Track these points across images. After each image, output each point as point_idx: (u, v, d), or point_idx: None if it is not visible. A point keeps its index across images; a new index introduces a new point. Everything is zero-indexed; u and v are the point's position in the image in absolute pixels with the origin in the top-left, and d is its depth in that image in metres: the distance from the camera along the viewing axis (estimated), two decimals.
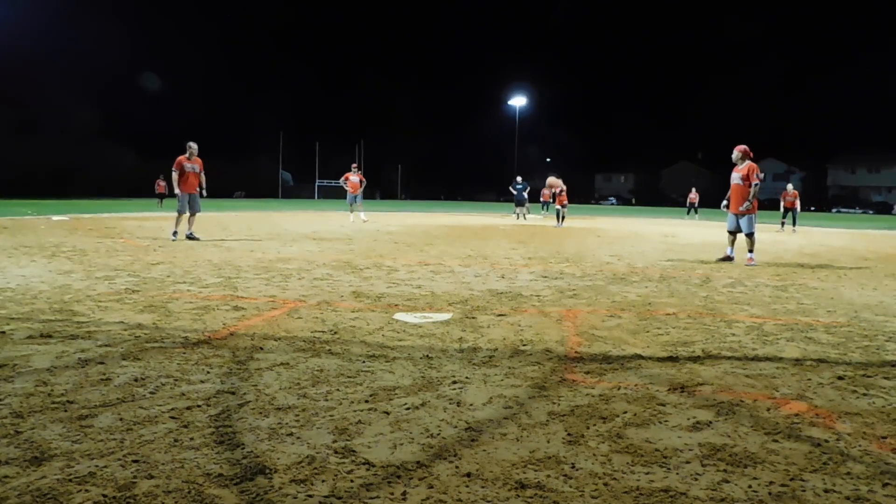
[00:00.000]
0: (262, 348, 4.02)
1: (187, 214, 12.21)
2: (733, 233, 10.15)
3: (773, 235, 18.07)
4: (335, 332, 4.52)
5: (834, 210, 73.15)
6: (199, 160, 12.38)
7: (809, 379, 3.62)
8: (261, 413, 2.89)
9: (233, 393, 3.16)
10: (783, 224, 21.93)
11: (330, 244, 11.99)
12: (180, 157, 12.13)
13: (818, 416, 3.01)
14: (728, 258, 10.09)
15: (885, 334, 4.87)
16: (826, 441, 2.71)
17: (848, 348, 4.39)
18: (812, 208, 68.27)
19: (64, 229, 14.73)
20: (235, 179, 79.44)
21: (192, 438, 2.58)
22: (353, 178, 21.34)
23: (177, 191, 12.11)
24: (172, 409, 2.91)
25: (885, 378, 3.67)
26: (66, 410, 2.85)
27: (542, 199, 33.75)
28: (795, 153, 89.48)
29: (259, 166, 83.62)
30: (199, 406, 2.96)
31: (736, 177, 9.95)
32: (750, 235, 9.83)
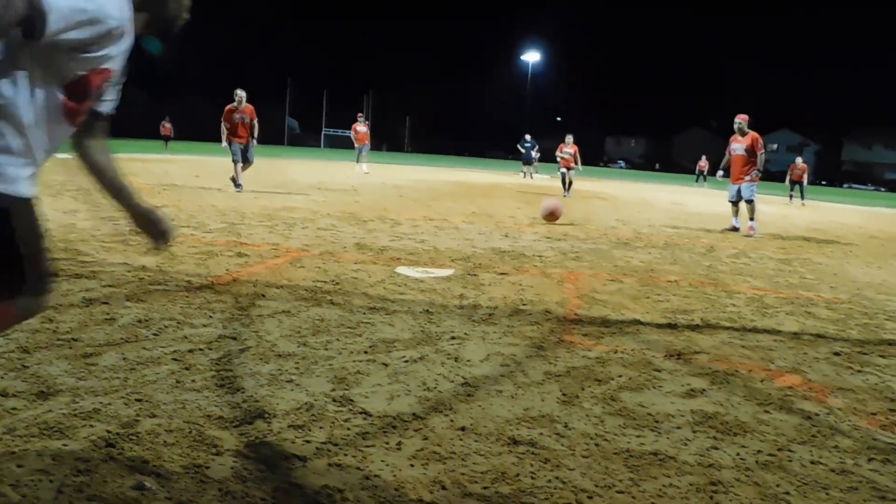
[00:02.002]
0: (264, 295, 4.06)
1: (241, 164, 11.47)
2: (736, 203, 10.08)
3: (781, 209, 17.97)
4: (337, 283, 4.55)
5: (846, 185, 72.38)
6: (250, 107, 11.64)
7: (805, 353, 3.65)
8: (261, 359, 2.94)
9: (234, 338, 3.20)
10: (791, 197, 21.77)
11: (335, 195, 11.97)
12: (228, 107, 11.49)
13: (811, 390, 3.05)
14: (734, 229, 10.06)
15: (886, 313, 4.89)
16: (817, 415, 2.75)
17: (847, 325, 4.41)
18: (823, 183, 67.65)
19: (69, 168, 14.72)
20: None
21: (193, 381, 2.63)
22: (361, 129, 21.10)
23: (224, 144, 11.55)
24: (175, 351, 2.95)
25: (881, 356, 3.70)
26: (70, 348, 2.89)
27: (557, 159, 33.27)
28: (811, 125, 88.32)
29: (265, 111, 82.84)
30: (200, 349, 3.00)
31: (739, 147, 9.85)
32: (750, 202, 9.77)
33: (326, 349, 3.15)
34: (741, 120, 9.88)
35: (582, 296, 4.72)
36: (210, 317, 3.53)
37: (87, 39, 1.52)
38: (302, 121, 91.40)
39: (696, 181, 34.58)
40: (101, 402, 2.35)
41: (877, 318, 4.71)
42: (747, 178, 9.67)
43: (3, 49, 1.48)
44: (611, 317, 4.16)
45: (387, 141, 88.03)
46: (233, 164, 11.46)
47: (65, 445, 2.03)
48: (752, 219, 9.77)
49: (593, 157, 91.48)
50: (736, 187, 9.95)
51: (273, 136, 76.84)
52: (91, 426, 2.16)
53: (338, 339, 3.30)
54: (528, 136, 26.84)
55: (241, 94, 11.54)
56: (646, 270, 5.99)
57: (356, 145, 21.24)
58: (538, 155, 27.35)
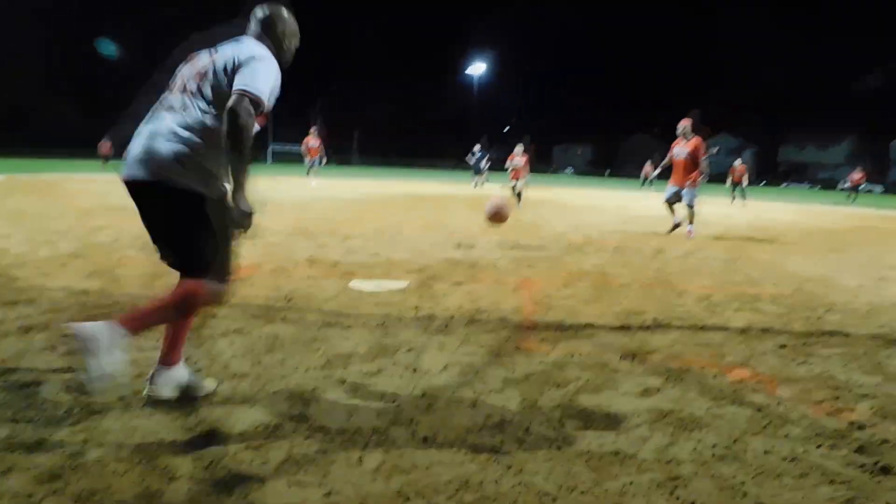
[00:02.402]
0: (214, 315, 3.96)
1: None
2: (671, 202, 10.21)
3: (724, 209, 18.53)
4: (290, 299, 4.48)
5: (784, 185, 75.40)
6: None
7: (754, 347, 3.76)
8: (214, 380, 2.86)
9: (185, 360, 3.10)
10: (734, 198, 22.49)
11: (284, 210, 11.78)
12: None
13: (761, 383, 3.14)
14: (677, 225, 10.23)
15: (825, 305, 5.08)
16: (767, 406, 2.83)
17: (791, 318, 4.57)
18: (763, 182, 70.20)
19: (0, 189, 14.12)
20: None
21: (143, 406, 2.54)
22: (313, 143, 20.94)
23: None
24: (123, 376, 2.84)
25: (824, 347, 3.85)
26: (9, 378, 2.76)
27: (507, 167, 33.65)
28: (749, 129, 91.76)
29: None
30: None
31: (682, 152, 9.97)
32: (691, 207, 9.98)
33: (281, 367, 3.09)
34: (684, 124, 10.06)
35: (537, 302, 4.76)
36: (158, 339, 3.41)
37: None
38: None
39: (643, 185, 35.48)
40: (44, 434, 2.24)
41: (818, 310, 4.89)
42: (689, 182, 9.85)
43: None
44: (566, 321, 4.21)
45: (336, 153, 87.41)
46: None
47: (6, 480, 1.93)
48: (691, 223, 9.95)
49: (543, 164, 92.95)
50: (675, 188, 10.10)
51: None
52: (34, 459, 2.06)
53: (293, 356, 3.24)
54: (477, 147, 27.02)
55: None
56: (598, 274, 6.09)
57: (308, 159, 21.05)
58: (488, 165, 27.55)
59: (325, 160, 21.79)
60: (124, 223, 8.59)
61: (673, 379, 3.14)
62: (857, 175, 29.72)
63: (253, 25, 2.76)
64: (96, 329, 2.23)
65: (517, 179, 15.39)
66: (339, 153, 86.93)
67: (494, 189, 25.92)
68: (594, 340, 3.79)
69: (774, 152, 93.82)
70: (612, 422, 2.60)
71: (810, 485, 2.15)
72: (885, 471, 2.26)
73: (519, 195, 15.29)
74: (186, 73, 2.61)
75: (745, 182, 22.60)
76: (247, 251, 6.51)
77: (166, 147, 2.42)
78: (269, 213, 10.77)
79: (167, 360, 2.64)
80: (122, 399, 2.59)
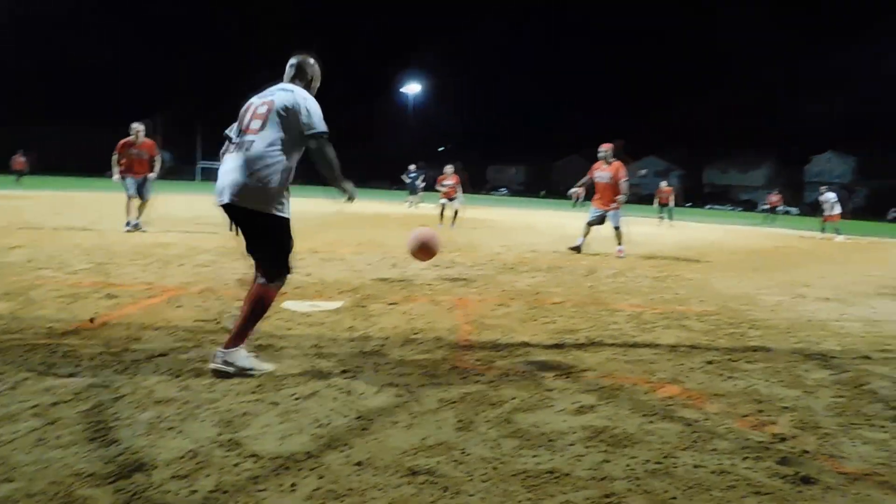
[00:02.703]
0: (138, 338, 3.79)
1: (137, 200, 10.71)
2: (592, 224, 10.46)
3: (652, 229, 19.17)
4: (219, 322, 4.34)
5: (708, 206, 78.87)
6: (150, 142, 10.97)
7: (683, 363, 3.88)
8: (138, 407, 2.73)
9: (106, 386, 2.95)
10: (661, 218, 23.28)
11: (213, 229, 11.45)
12: (123, 141, 10.76)
13: (690, 398, 3.23)
14: (577, 248, 10.42)
15: (749, 322, 5.30)
16: (696, 421, 2.92)
17: (717, 335, 4.74)
18: (689, 204, 73.25)
19: None
20: (105, 157, 74.28)
21: (58, 437, 2.39)
22: None
23: (115, 178, 10.80)
24: (36, 405, 2.68)
25: (748, 362, 4.00)
26: None
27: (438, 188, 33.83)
28: (675, 153, 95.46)
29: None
30: (67, 401, 2.74)
31: (605, 175, 10.22)
32: (618, 228, 10.26)
33: (210, 391, 2.97)
34: (605, 149, 10.28)
35: (472, 321, 4.78)
36: (77, 365, 3.24)
37: None
38: (175, 154, 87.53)
39: (574, 205, 36.31)
40: None
41: (741, 326, 5.10)
42: (613, 205, 10.15)
43: (300, 149, 3.39)
44: (501, 340, 4.23)
45: None
46: (126, 200, 10.69)
47: None
48: (620, 244, 10.17)
49: (476, 184, 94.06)
50: (600, 212, 10.34)
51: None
52: None
53: (222, 380, 3.13)
54: (412, 167, 27.12)
55: (137, 127, 10.86)
56: (532, 293, 6.17)
57: None
58: (423, 185, 27.66)
59: None
60: (40, 241, 8.16)
61: (606, 396, 3.20)
62: (774, 197, 31.33)
63: (290, 72, 3.59)
64: (234, 360, 3.19)
65: (450, 199, 15.43)
66: None
67: (429, 208, 26.04)
68: (529, 359, 3.82)
69: (699, 175, 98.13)
70: (547, 440, 2.61)
71: (738, 497, 2.22)
72: (806, 481, 2.36)
73: (455, 214, 15.36)
74: (248, 117, 3.39)
75: (671, 203, 23.45)
76: (174, 272, 6.29)
77: (239, 178, 3.22)
78: (197, 233, 10.45)
79: (233, 342, 3.22)
80: (34, 430, 2.43)
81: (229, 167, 3.31)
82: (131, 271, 6.20)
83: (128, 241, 8.84)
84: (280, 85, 3.50)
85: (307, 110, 3.30)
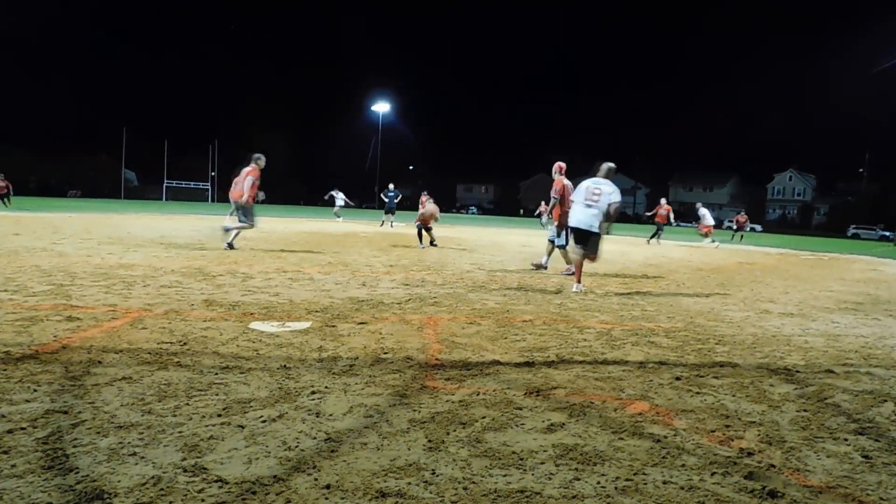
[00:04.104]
0: (100, 362, 3.69)
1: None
2: (552, 241, 10.49)
3: (621, 247, 19.39)
4: (184, 343, 4.25)
5: (674, 224, 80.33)
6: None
7: (651, 380, 3.91)
8: (98, 433, 2.65)
9: (65, 412, 2.86)
10: (658, 237, 24.19)
11: (179, 250, 11.28)
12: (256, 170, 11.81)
13: (658, 415, 3.25)
14: (543, 266, 10.52)
15: (715, 338, 5.38)
16: (665, 437, 2.94)
17: (685, 351, 4.80)
18: (674, 224, 74.49)
19: None
20: (70, 177, 72.91)
21: (13, 465, 2.31)
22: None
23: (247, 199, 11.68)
24: None
25: (715, 377, 4.05)
26: None
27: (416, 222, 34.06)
28: (641, 171, 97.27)
29: (98, 164, 77.37)
30: (23, 429, 2.65)
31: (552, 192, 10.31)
32: (551, 242, 10.40)
33: (175, 415, 2.90)
34: (555, 167, 10.43)
35: (442, 340, 4.76)
36: (34, 390, 3.14)
37: None
38: (140, 174, 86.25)
39: (543, 224, 36.65)
40: None
41: (708, 342, 5.17)
42: (542, 220, 10.48)
43: None
44: (471, 359, 4.22)
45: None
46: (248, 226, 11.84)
47: None
48: (568, 263, 10.01)
49: (446, 203, 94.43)
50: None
51: (109, 189, 71.75)
52: None
53: (187, 404, 3.06)
54: (391, 186, 27.05)
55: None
56: (501, 312, 6.18)
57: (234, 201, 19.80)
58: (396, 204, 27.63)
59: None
60: None
61: (576, 414, 3.20)
62: (741, 218, 32.09)
63: (604, 170, 8.20)
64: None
65: (424, 224, 14.92)
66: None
67: (401, 227, 26.02)
68: (499, 378, 3.81)
69: (665, 193, 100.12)
70: (518, 459, 2.60)
71: None
72: (773, 495, 2.38)
73: (431, 240, 15.06)
74: (587, 190, 8.09)
75: (671, 220, 24.53)
76: (138, 293, 6.16)
77: (593, 217, 7.96)
78: (162, 254, 10.27)
79: (578, 278, 8.14)
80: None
81: (587, 213, 8.05)
82: (93, 293, 6.06)
83: (90, 262, 8.64)
84: (597, 179, 8.18)
85: (616, 195, 8.01)
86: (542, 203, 36.62)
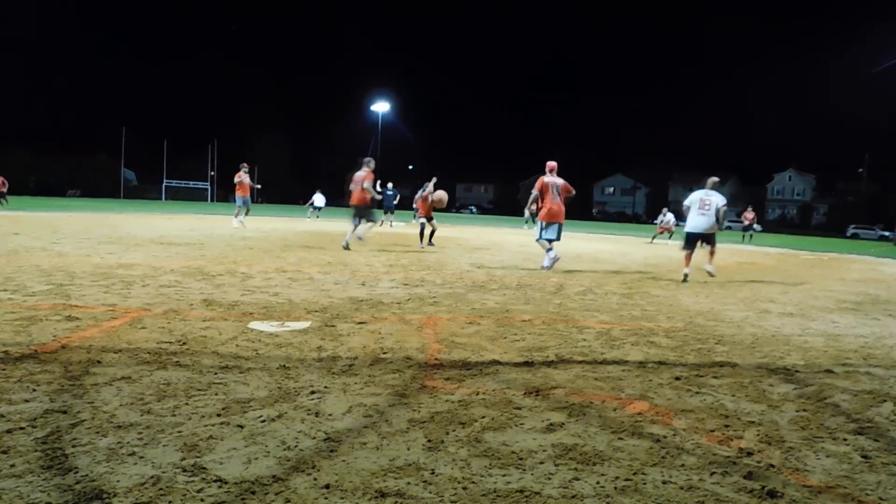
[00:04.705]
0: (99, 362, 3.69)
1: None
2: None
3: (621, 247, 19.38)
4: (184, 343, 4.25)
5: (675, 224, 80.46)
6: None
7: (651, 380, 3.91)
8: (98, 432, 2.65)
9: (64, 412, 2.86)
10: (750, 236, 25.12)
11: (178, 249, 11.27)
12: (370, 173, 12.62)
13: (658, 415, 3.25)
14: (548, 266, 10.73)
15: (715, 337, 5.38)
16: (664, 437, 2.93)
17: (684, 351, 4.80)
18: (655, 221, 74.43)
19: None
20: (69, 176, 72.90)
21: (12, 465, 2.31)
22: (245, 180, 19.86)
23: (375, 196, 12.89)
24: None
25: (714, 377, 4.06)
26: None
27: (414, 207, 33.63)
28: (641, 171, 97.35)
29: (98, 163, 77.40)
30: (21, 428, 2.65)
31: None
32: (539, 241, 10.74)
33: (174, 415, 2.90)
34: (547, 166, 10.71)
35: (441, 340, 4.76)
36: (33, 390, 3.14)
37: None
38: (140, 174, 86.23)
39: (526, 222, 35.53)
40: None
41: (708, 342, 5.17)
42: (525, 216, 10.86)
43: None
44: (471, 359, 4.22)
45: (233, 191, 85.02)
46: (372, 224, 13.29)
47: None
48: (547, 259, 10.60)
49: (447, 203, 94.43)
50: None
51: (108, 188, 71.72)
52: None
53: (186, 404, 3.06)
54: (389, 184, 26.90)
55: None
56: (501, 311, 6.18)
57: (241, 197, 19.79)
58: (396, 203, 27.52)
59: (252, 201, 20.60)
60: None
61: (575, 414, 3.20)
62: (749, 214, 31.78)
63: (710, 183, 10.09)
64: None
65: (429, 218, 14.63)
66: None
67: (401, 226, 26.01)
68: (498, 377, 3.81)
69: (665, 191, 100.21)
70: (517, 459, 2.60)
71: None
72: (772, 494, 2.38)
73: (431, 233, 14.75)
74: (700, 201, 9.99)
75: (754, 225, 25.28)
76: (137, 293, 6.16)
77: (707, 222, 9.83)
78: (161, 254, 10.27)
79: (687, 265, 9.87)
80: None
81: (706, 220, 9.87)
82: (93, 293, 6.06)
83: (89, 261, 8.64)
84: (708, 190, 9.94)
85: (725, 201, 9.82)
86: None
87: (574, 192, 10.88)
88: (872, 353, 5.11)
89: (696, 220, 9.97)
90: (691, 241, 10.08)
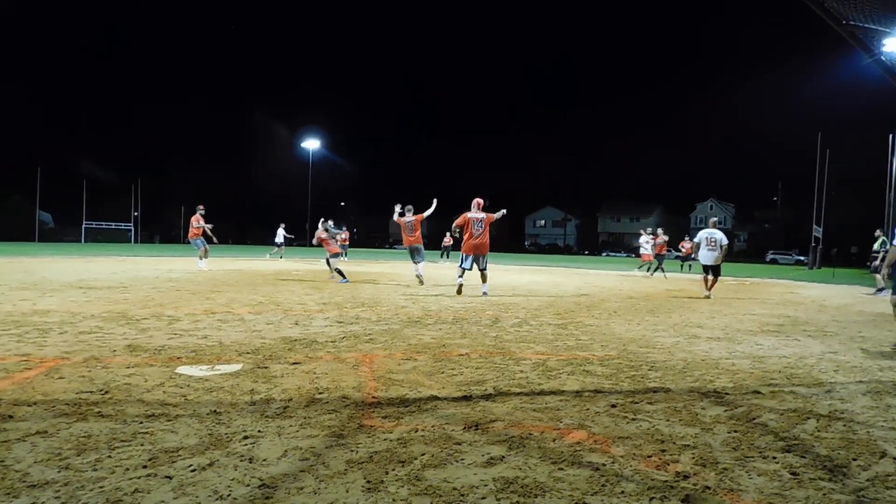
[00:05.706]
0: (11, 416, 3.45)
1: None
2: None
3: (553, 278, 19.71)
4: (106, 392, 4.02)
5: (604, 253, 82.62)
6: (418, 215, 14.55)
7: (588, 408, 3.95)
8: (9, 494, 2.45)
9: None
10: (661, 270, 23.30)
11: (100, 293, 10.74)
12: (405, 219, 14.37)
13: (596, 443, 3.28)
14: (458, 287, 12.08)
15: (648, 364, 5.51)
16: (604, 465, 2.96)
17: (619, 378, 4.88)
18: (586, 252, 76.03)
19: None
20: None
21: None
22: (202, 223, 19.19)
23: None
24: None
25: (649, 403, 4.14)
26: None
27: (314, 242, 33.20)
28: (571, 203, 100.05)
29: (10, 205, 73.59)
30: None
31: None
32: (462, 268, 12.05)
33: (95, 469, 2.73)
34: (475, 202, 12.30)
35: (378, 377, 4.68)
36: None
37: None
38: (56, 216, 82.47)
39: (441, 257, 35.19)
40: None
41: (641, 369, 5.28)
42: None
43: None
44: (408, 395, 4.17)
45: (159, 232, 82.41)
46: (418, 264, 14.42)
47: None
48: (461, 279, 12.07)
49: (379, 240, 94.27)
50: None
51: (20, 232, 68.05)
52: None
53: (109, 456, 2.88)
54: (331, 222, 26.56)
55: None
56: (438, 346, 6.15)
57: (198, 239, 19.14)
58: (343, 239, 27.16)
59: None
60: None
61: (515, 446, 3.19)
62: (687, 245, 32.23)
63: (712, 223, 13.31)
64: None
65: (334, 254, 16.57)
66: (163, 230, 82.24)
67: (342, 261, 25.63)
68: (437, 413, 3.77)
69: (595, 224, 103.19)
70: (459, 495, 2.56)
71: None
72: None
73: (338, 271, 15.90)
74: (707, 240, 12.97)
75: (663, 253, 23.86)
76: (54, 341, 5.82)
77: (713, 256, 12.94)
78: (80, 298, 9.77)
79: (707, 288, 13.18)
80: None
81: (710, 254, 12.94)
82: (3, 342, 5.68)
83: (0, 309, 8.12)
84: (711, 229, 12.94)
85: (725, 240, 12.92)
86: (447, 234, 36.35)
87: (498, 215, 12.07)
88: (795, 373, 5.34)
89: (706, 255, 13.10)
90: (704, 269, 13.38)
